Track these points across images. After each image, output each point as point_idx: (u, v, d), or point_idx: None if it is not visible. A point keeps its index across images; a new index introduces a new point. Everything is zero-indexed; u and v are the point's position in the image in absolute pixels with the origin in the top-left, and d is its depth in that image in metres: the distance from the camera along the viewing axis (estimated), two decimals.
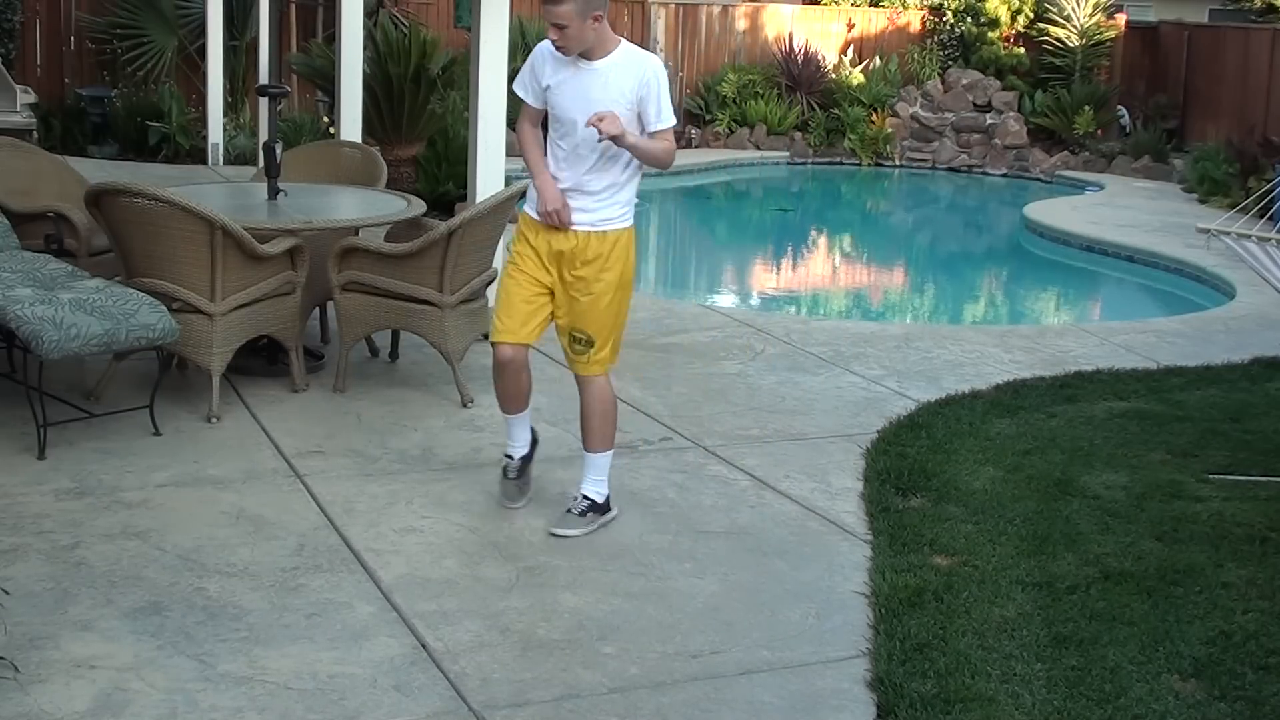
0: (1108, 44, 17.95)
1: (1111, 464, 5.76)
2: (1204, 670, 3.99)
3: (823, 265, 13.37)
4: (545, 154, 4.77)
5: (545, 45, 4.69)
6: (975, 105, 17.45)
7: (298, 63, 13.69)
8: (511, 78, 5.67)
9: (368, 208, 6.77)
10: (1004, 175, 17.12)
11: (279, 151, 6.70)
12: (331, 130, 12.31)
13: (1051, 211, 13.49)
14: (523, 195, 5.02)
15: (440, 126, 12.24)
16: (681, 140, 16.91)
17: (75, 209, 6.59)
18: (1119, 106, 17.87)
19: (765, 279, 12.32)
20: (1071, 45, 17.79)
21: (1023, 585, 4.51)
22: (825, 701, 3.80)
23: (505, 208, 6.28)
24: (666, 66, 16.82)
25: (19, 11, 14.11)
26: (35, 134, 11.43)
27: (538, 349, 4.94)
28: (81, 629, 3.95)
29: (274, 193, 6.68)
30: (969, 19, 18.16)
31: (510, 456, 5.09)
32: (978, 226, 15.89)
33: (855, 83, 17.51)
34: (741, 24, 17.98)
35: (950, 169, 17.29)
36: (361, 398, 6.27)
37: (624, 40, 4.70)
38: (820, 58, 17.77)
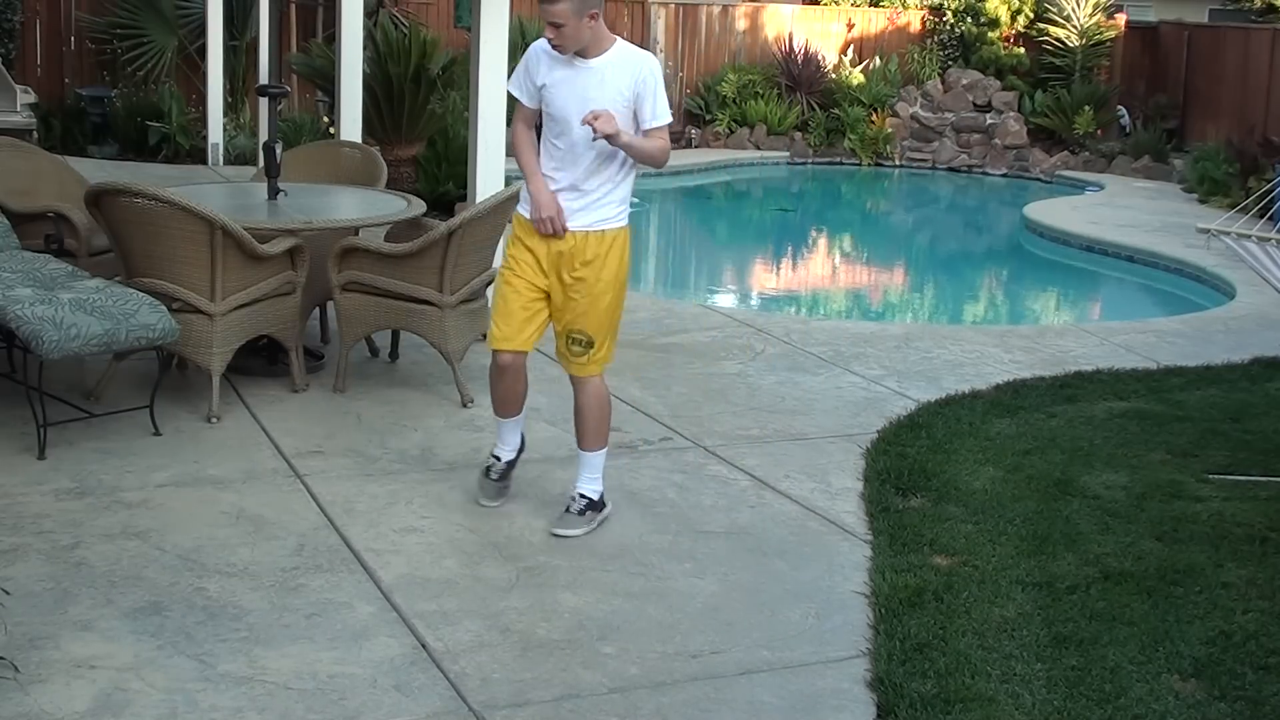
0: (1108, 44, 17.95)
1: (1111, 464, 5.76)
2: (1204, 670, 3.99)
3: (823, 265, 13.37)
4: (539, 156, 4.75)
5: (539, 44, 4.69)
6: (975, 105, 17.46)
7: (298, 63, 13.69)
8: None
9: (368, 208, 6.77)
10: (1004, 175, 17.12)
11: (279, 151, 6.70)
12: (331, 130, 12.31)
13: (1051, 211, 13.49)
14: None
15: (440, 126, 12.24)
16: (681, 140, 16.93)
17: (75, 209, 6.59)
18: (1119, 106, 17.87)
19: (765, 279, 12.32)
20: (1071, 45, 17.79)
21: (1023, 585, 4.51)
22: (825, 701, 3.80)
23: (505, 208, 6.26)
24: (666, 67, 16.92)
25: (19, 11, 14.11)
26: (35, 134, 11.43)
27: (537, 349, 4.95)
28: (81, 629, 3.95)
29: (274, 193, 6.68)
30: (969, 19, 18.16)
31: (497, 458, 5.09)
32: (978, 226, 15.89)
33: (855, 83, 17.51)
34: (741, 24, 17.98)
35: (950, 169, 17.30)
36: (361, 398, 6.27)
37: (619, 39, 4.70)
38: (820, 58, 17.77)
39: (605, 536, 4.84)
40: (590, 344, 4.76)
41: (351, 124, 9.66)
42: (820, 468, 5.66)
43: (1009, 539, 4.89)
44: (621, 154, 4.65)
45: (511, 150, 4.99)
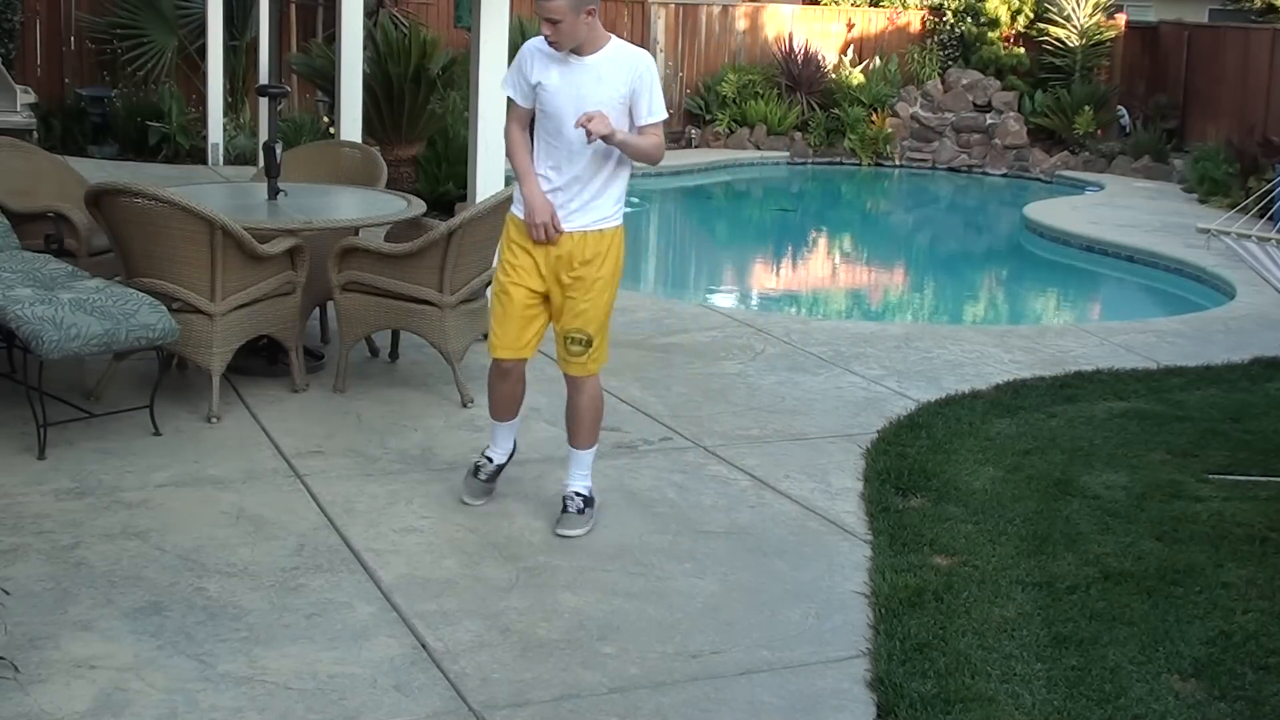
0: (1108, 44, 17.95)
1: (1111, 464, 5.76)
2: (1204, 670, 3.99)
3: (823, 265, 13.37)
4: (533, 155, 4.74)
5: (532, 43, 4.69)
6: (975, 105, 17.46)
7: (298, 63, 13.69)
8: None
9: (368, 208, 6.77)
10: (1004, 175, 17.12)
11: (279, 151, 6.70)
12: (331, 130, 12.31)
13: (1051, 211, 13.49)
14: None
15: (440, 126, 12.24)
16: (681, 140, 16.92)
17: (75, 209, 6.59)
18: (1119, 106, 17.87)
19: (765, 279, 12.32)
20: (1071, 45, 17.79)
21: (1023, 585, 4.51)
22: (825, 701, 3.80)
23: (505, 208, 6.24)
24: (666, 67, 16.93)
25: (19, 11, 14.11)
26: (35, 134, 11.43)
27: (538, 350, 4.96)
28: (81, 629, 3.95)
29: (274, 193, 6.68)
30: (969, 19, 18.16)
31: (489, 459, 5.10)
32: (978, 226, 15.89)
33: (855, 83, 17.51)
34: (741, 24, 17.98)
35: (950, 169, 17.29)
36: (361, 398, 6.27)
37: (614, 36, 4.70)
38: (820, 58, 17.77)
39: (605, 536, 4.84)
40: (590, 343, 4.77)
41: (351, 124, 9.66)
42: (820, 468, 5.66)
43: (1009, 539, 4.89)
44: (616, 152, 4.65)
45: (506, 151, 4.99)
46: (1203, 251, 9.81)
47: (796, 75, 17.48)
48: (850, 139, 17.09)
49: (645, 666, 3.93)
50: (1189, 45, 17.71)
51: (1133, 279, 11.53)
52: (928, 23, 18.55)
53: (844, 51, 18.17)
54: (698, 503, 5.22)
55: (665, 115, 4.71)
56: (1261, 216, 9.51)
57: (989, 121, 17.34)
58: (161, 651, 3.85)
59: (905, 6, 18.62)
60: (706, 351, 7.45)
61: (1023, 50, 18.09)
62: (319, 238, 6.39)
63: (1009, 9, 18.09)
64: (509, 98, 4.82)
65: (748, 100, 17.25)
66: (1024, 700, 3.77)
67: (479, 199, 7.02)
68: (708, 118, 17.31)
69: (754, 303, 10.84)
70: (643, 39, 16.78)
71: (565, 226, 4.68)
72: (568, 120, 4.58)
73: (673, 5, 17.47)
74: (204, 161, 13.27)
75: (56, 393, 5.73)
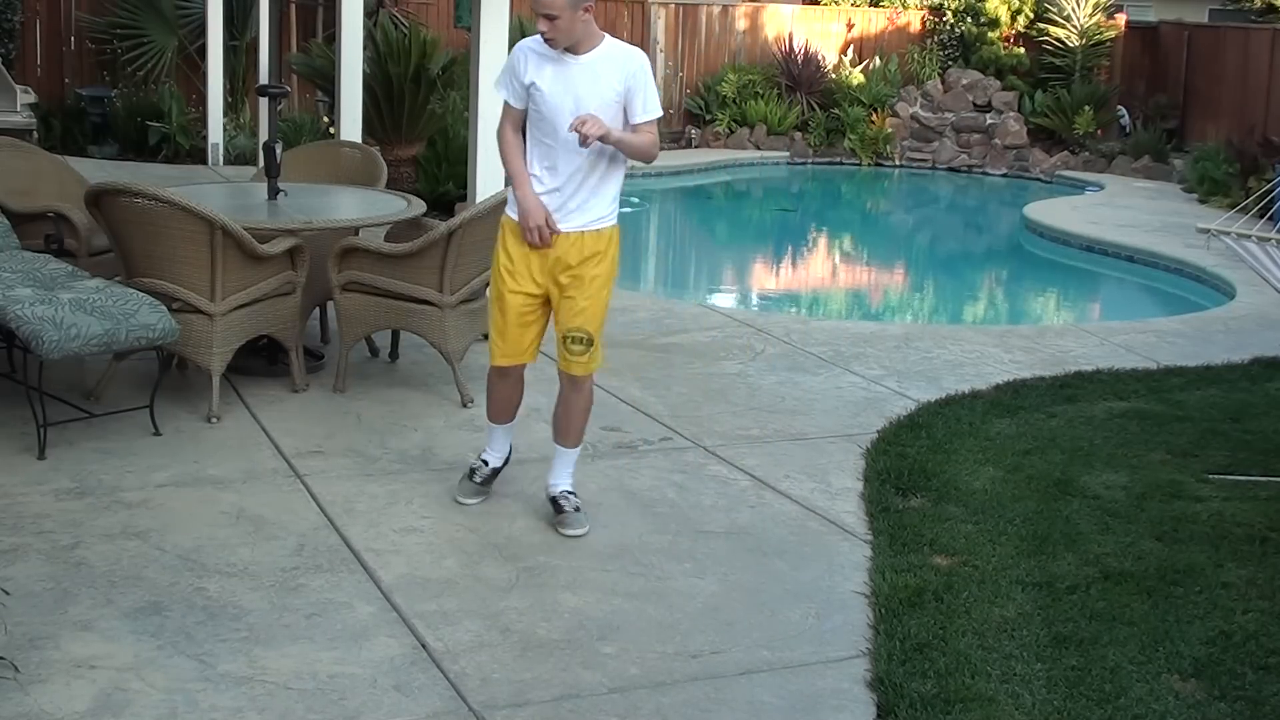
0: (1108, 44, 17.95)
1: (1111, 464, 5.76)
2: (1204, 670, 3.99)
3: (823, 265, 13.37)
4: (526, 159, 4.71)
5: (525, 42, 4.68)
6: (975, 105, 17.46)
7: (298, 63, 13.69)
8: None
9: (368, 208, 6.77)
10: (1004, 175, 17.12)
11: (279, 151, 6.70)
12: (331, 130, 12.31)
13: (1051, 211, 13.49)
14: None
15: (440, 126, 12.23)
16: (681, 140, 16.91)
17: (75, 209, 6.59)
18: (1119, 106, 17.87)
19: (765, 279, 12.32)
20: (1071, 45, 17.79)
21: (1023, 585, 4.51)
22: (825, 701, 3.80)
23: (504, 208, 6.27)
24: (666, 67, 16.93)
25: (19, 11, 14.11)
26: (35, 134, 11.43)
27: (539, 350, 4.96)
28: (81, 629, 3.95)
29: (274, 193, 6.68)
30: (969, 19, 18.16)
31: (485, 463, 5.11)
32: (978, 226, 15.89)
33: (855, 83, 17.51)
34: (741, 24, 17.98)
35: (950, 169, 17.29)
36: (361, 398, 6.27)
37: (607, 35, 4.69)
38: (820, 58, 17.77)
39: (605, 536, 4.84)
40: (590, 342, 4.77)
41: (351, 124, 9.66)
42: (820, 468, 5.66)
43: (1009, 539, 4.89)
44: (611, 150, 4.64)
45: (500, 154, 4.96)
46: (1203, 251, 9.81)
47: (796, 75, 17.48)
48: (850, 139, 17.09)
49: (645, 666, 3.93)
50: (1189, 45, 17.71)
51: (1133, 279, 11.53)
52: (928, 23, 18.55)
53: (844, 51, 18.17)
54: (698, 503, 5.22)
55: (660, 113, 4.71)
56: (1261, 216, 9.51)
57: (989, 121, 17.34)
58: (161, 651, 3.85)
59: (905, 6, 18.62)
60: (706, 351, 7.45)
61: (1023, 50, 18.09)
62: (319, 238, 6.39)
63: (1009, 9, 18.09)
64: (504, 100, 4.81)
65: (748, 100, 17.24)
66: (1024, 700, 3.77)
67: (479, 199, 7.02)
68: (708, 118, 17.31)
69: (754, 303, 10.84)
70: (642, 39, 16.78)
71: (562, 227, 4.67)
72: (563, 120, 4.56)
73: (673, 5, 17.46)
74: (204, 161, 13.27)
75: (56, 393, 5.73)
